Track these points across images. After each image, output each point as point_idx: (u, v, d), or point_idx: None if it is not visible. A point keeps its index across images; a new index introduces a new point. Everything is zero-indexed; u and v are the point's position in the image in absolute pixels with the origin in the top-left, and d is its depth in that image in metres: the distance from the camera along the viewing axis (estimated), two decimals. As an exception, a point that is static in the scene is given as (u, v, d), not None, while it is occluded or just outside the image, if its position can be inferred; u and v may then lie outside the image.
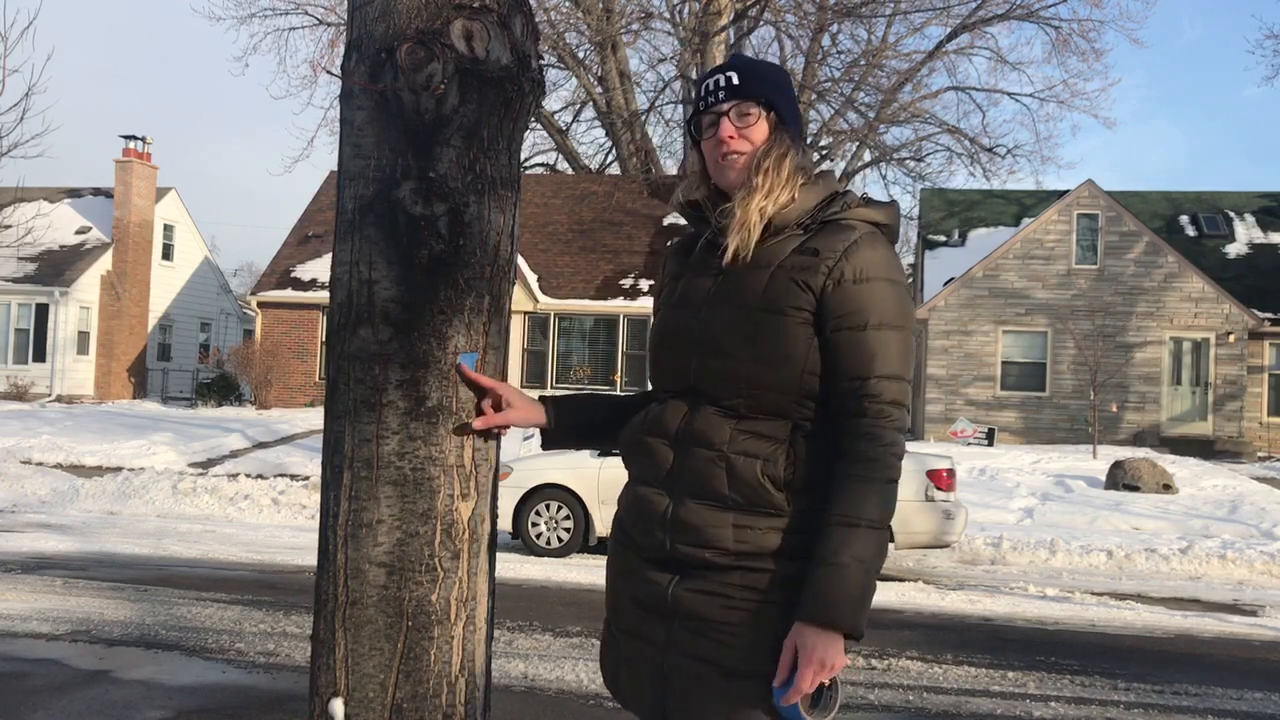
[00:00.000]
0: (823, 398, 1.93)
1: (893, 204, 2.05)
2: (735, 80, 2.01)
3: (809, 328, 1.91)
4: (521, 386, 25.38)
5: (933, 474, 10.66)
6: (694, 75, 28.00)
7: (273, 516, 13.60)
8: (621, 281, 26.77)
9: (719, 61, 26.46)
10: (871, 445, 1.87)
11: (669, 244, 2.20)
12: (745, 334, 1.92)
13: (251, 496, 14.12)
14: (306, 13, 28.21)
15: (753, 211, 1.95)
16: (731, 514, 1.90)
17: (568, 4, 26.79)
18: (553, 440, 2.20)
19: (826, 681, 1.82)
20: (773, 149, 1.99)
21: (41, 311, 30.03)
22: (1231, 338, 24.23)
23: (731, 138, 1.99)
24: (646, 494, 1.99)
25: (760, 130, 2.00)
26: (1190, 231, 27.88)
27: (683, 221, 2.26)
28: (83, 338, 30.74)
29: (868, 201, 2.02)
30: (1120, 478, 16.23)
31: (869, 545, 1.83)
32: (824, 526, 1.85)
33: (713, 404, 1.95)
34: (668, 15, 27.79)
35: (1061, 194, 26.90)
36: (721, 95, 2.02)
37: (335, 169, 2.13)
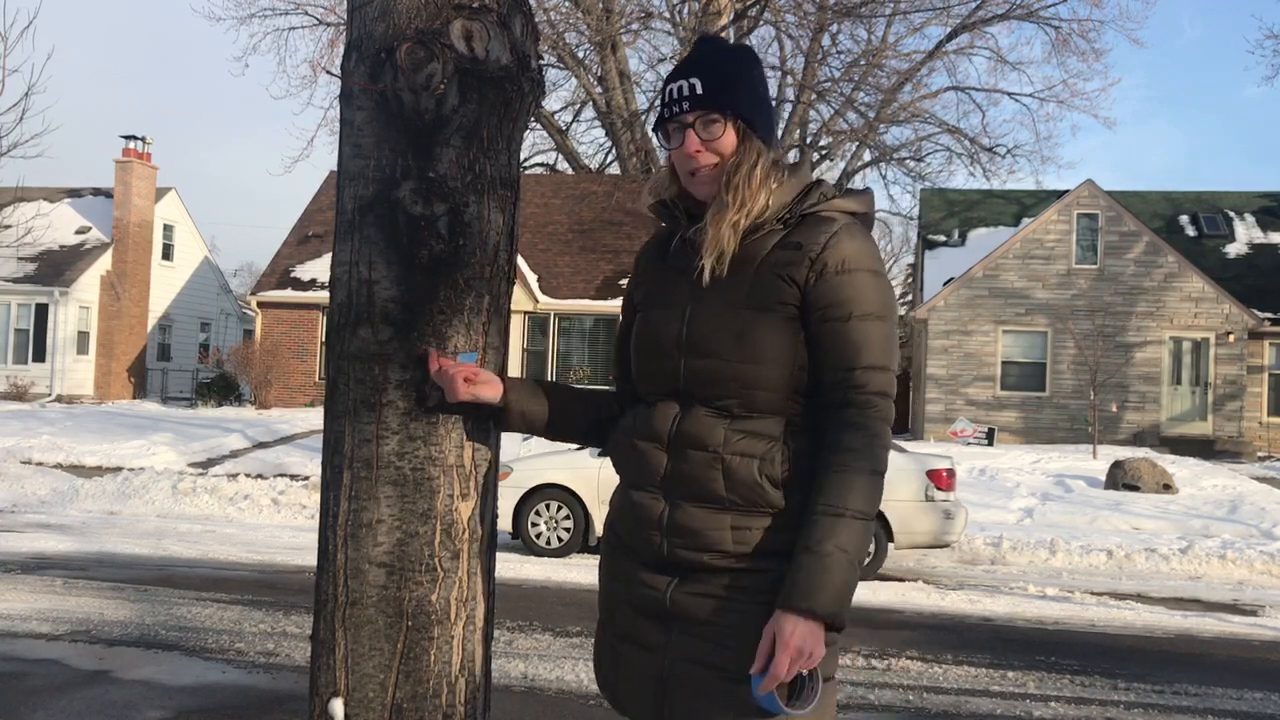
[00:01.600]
0: (812, 391, 1.91)
1: (867, 192, 2.04)
2: (699, 89, 1.95)
3: (796, 323, 1.90)
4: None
5: (933, 474, 10.66)
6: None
7: (273, 516, 13.60)
8: (621, 281, 26.75)
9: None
10: (857, 435, 1.85)
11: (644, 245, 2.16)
12: (733, 333, 1.90)
13: (251, 496, 14.12)
14: (306, 13, 28.17)
15: (725, 229, 1.92)
16: (729, 515, 1.89)
17: (568, 4, 26.77)
18: (502, 421, 2.12)
19: (805, 673, 1.79)
20: (742, 163, 1.95)
21: (41, 311, 30.03)
22: (1231, 338, 24.24)
23: (698, 152, 1.95)
24: (640, 498, 1.97)
25: (728, 141, 1.96)
26: (1190, 231, 27.89)
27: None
28: (82, 338, 30.74)
29: (843, 192, 2.01)
30: (1120, 478, 16.23)
31: (853, 536, 1.81)
32: (808, 515, 1.83)
33: (704, 405, 1.92)
34: (667, 15, 27.74)
35: (1061, 194, 26.90)
36: (685, 105, 1.96)
37: (335, 169, 2.13)
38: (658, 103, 2.04)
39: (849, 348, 1.87)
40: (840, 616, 1.79)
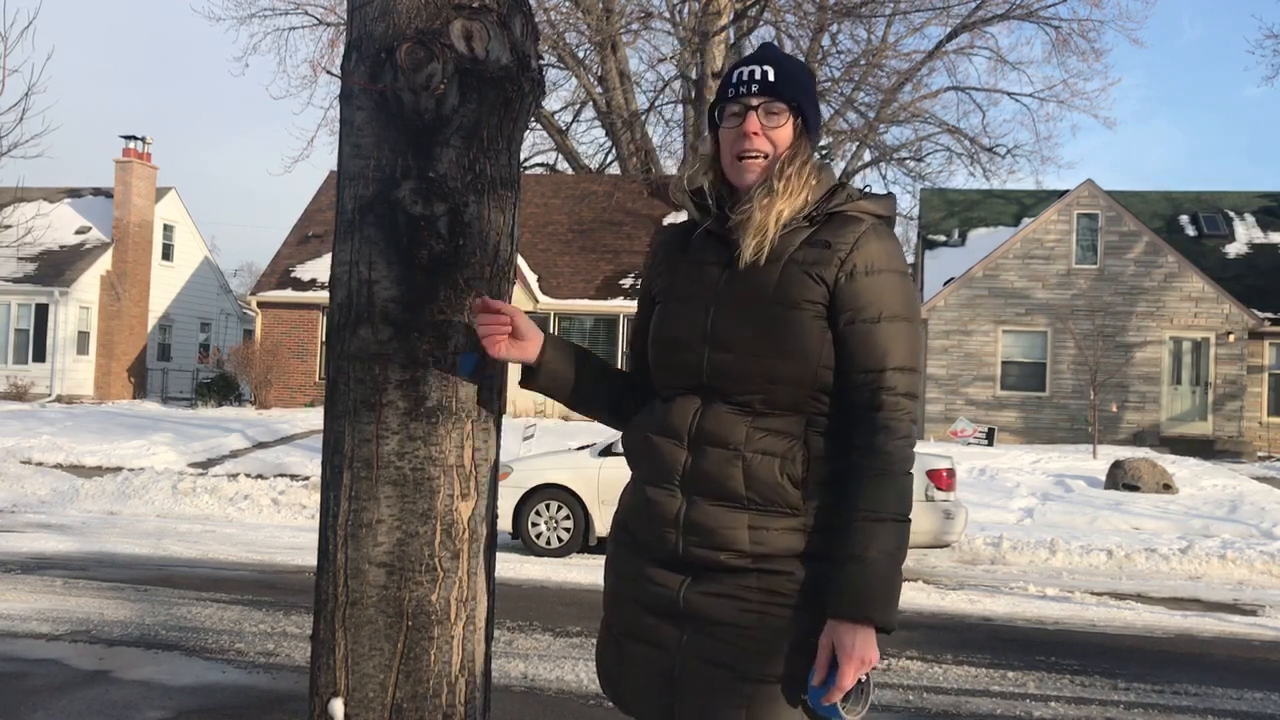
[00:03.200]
0: (836, 391, 1.91)
1: (890, 196, 2.06)
2: (771, 76, 1.98)
3: (822, 321, 1.90)
4: (520, 386, 25.37)
5: (933, 474, 10.65)
6: (694, 75, 27.97)
7: (273, 516, 13.60)
8: (621, 281, 26.76)
9: (718, 62, 26.42)
10: (889, 438, 1.86)
11: (656, 234, 2.18)
12: (760, 329, 1.90)
13: (251, 496, 14.11)
14: (306, 13, 28.21)
15: (773, 216, 1.94)
16: (747, 514, 1.89)
17: (568, 4, 26.78)
18: (530, 378, 2.11)
19: (863, 676, 1.83)
20: (796, 156, 1.98)
21: (41, 311, 30.03)
22: (1231, 337, 24.24)
23: (756, 134, 1.97)
24: (657, 495, 1.96)
25: (785, 134, 1.99)
26: (1190, 231, 27.88)
27: (683, 218, 2.23)
28: (83, 338, 30.74)
29: (866, 194, 2.02)
30: (1120, 478, 16.22)
31: (894, 538, 1.84)
32: (848, 523, 1.84)
33: (725, 401, 1.92)
34: (667, 15, 27.76)
35: (1061, 194, 26.90)
36: (755, 88, 1.98)
37: (335, 169, 2.13)
38: (722, 87, 2.05)
39: (878, 349, 1.88)
40: (892, 620, 1.83)
